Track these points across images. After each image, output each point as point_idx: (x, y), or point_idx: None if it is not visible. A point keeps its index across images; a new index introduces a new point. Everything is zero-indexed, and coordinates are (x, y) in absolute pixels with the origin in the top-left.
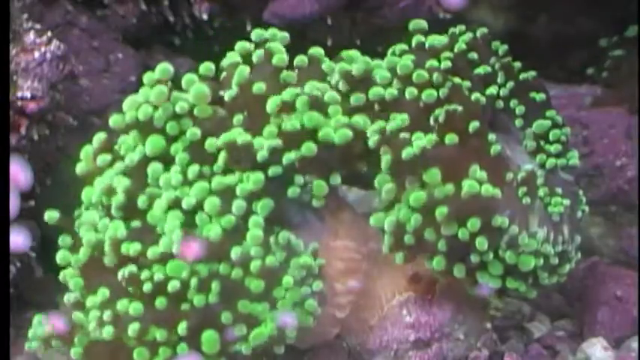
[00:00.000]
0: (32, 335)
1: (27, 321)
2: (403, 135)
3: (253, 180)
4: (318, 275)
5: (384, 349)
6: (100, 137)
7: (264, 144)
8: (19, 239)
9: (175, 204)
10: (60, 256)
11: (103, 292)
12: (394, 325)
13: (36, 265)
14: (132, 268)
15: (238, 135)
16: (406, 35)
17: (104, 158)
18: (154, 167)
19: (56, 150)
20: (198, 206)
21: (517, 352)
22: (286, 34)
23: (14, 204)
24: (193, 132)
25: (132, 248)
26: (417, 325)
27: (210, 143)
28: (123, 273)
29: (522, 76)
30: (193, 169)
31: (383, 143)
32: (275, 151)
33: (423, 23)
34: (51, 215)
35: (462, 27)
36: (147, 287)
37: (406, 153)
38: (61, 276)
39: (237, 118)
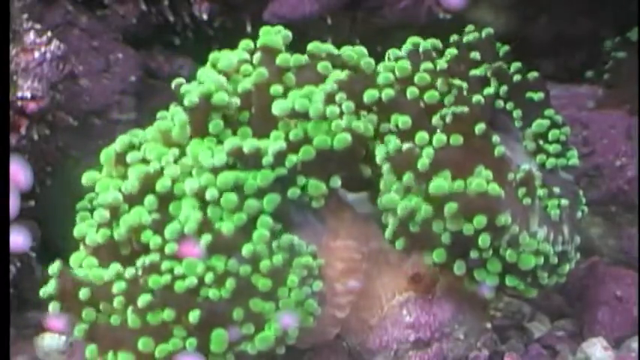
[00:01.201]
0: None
1: (27, 321)
2: (408, 146)
3: (261, 176)
4: (318, 275)
5: (384, 349)
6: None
7: (269, 148)
8: (19, 239)
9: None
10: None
11: (115, 267)
12: (394, 325)
13: (36, 265)
14: (154, 257)
15: (245, 140)
16: (406, 36)
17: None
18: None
19: (56, 150)
20: (215, 200)
21: (517, 352)
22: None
23: (14, 204)
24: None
25: (153, 240)
26: (417, 325)
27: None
28: (143, 261)
29: (517, 77)
30: (220, 158)
31: (396, 167)
32: (280, 154)
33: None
34: (89, 176)
35: (470, 28)
36: (165, 279)
37: (422, 164)
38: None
39: (244, 115)
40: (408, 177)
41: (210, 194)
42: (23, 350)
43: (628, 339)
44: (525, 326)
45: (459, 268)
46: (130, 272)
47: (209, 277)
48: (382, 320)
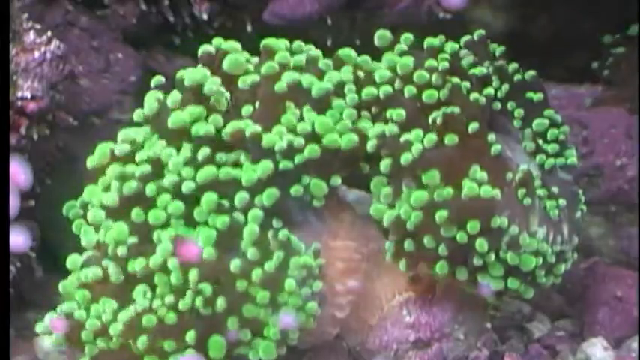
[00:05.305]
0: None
1: (27, 321)
2: (403, 138)
3: (262, 168)
4: (318, 275)
5: (384, 349)
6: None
7: (283, 138)
8: (19, 239)
9: (177, 194)
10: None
11: (111, 304)
12: (394, 325)
13: (36, 265)
14: (143, 302)
15: (247, 126)
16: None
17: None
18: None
19: (56, 150)
20: (197, 198)
21: (517, 352)
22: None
23: (14, 204)
24: (216, 119)
25: (137, 264)
26: (417, 325)
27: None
28: (135, 308)
29: (517, 77)
30: (204, 152)
31: (381, 148)
32: (291, 148)
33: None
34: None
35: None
36: (161, 312)
37: (405, 159)
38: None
39: (247, 109)
40: (385, 165)
41: (188, 187)
42: (23, 350)
43: (628, 339)
44: (525, 326)
45: (460, 274)
46: (124, 316)
47: (199, 301)
48: (382, 320)
